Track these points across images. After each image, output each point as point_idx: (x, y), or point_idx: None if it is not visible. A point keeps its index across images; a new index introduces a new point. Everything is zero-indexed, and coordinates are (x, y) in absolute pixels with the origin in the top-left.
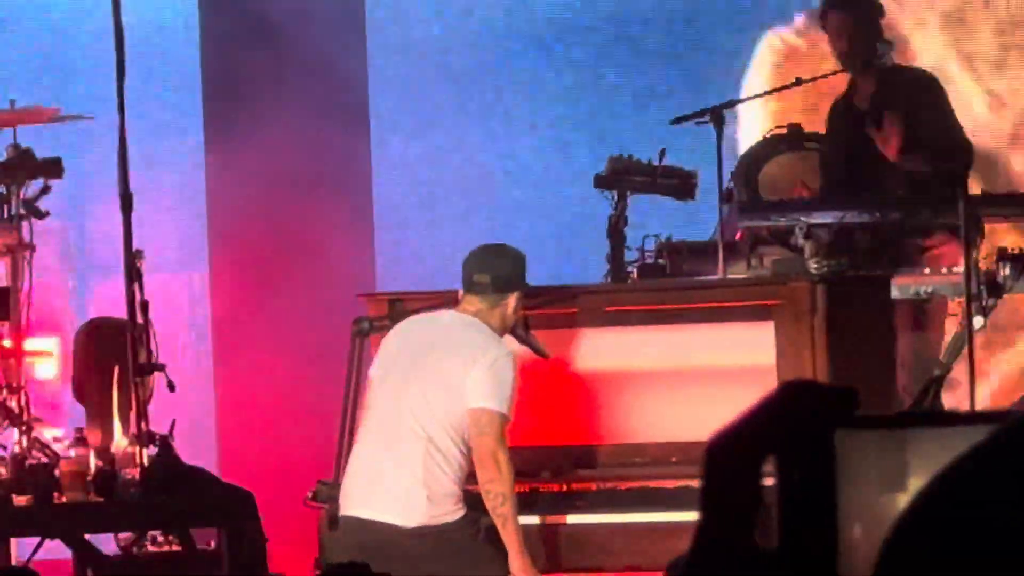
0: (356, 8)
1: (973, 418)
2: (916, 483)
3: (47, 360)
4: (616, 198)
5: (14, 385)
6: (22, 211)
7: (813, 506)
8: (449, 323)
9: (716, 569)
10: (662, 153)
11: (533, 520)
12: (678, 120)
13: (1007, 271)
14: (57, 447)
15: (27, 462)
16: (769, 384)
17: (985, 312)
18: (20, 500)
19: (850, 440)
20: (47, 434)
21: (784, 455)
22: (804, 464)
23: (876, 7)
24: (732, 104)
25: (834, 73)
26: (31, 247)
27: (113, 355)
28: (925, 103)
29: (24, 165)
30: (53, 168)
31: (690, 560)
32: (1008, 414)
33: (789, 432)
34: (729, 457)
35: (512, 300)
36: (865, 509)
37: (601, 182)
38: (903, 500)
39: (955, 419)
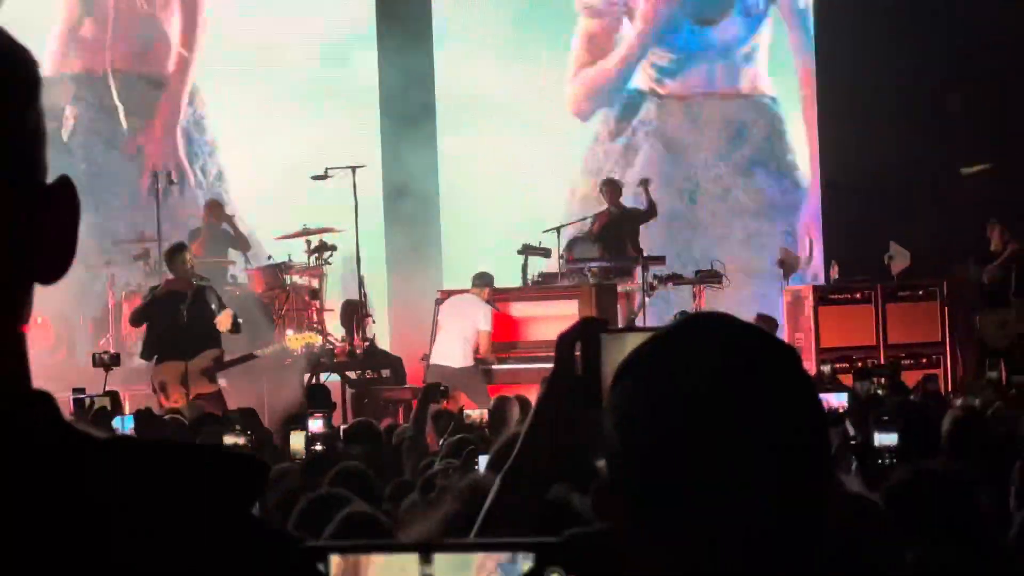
0: None
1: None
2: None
3: None
4: None
5: None
6: None
7: (594, 358)
8: None
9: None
10: None
11: None
12: None
13: None
14: None
15: None
16: None
17: None
18: None
19: (605, 338)
20: None
21: (585, 343)
22: (588, 344)
23: None
24: None
25: None
26: None
27: None
28: None
29: None
30: None
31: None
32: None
33: (584, 334)
34: (561, 347)
35: None
36: (609, 363)
37: None
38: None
39: (647, 329)
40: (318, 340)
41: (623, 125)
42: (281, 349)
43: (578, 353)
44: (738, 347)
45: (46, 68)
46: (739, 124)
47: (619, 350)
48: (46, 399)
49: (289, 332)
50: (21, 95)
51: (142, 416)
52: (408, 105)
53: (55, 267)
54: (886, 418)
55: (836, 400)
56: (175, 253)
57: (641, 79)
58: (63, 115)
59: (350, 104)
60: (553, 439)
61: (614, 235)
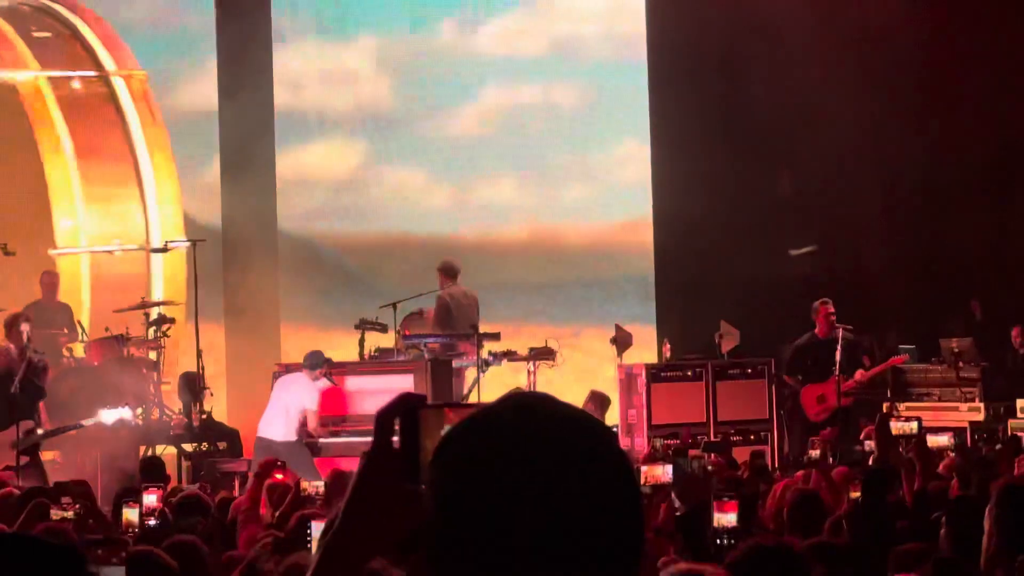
0: None
1: (479, 405)
2: (447, 423)
3: None
4: None
5: None
6: None
7: (413, 433)
8: None
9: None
10: None
11: None
12: None
13: None
14: None
15: None
16: None
17: None
18: None
19: (424, 413)
20: None
21: (404, 418)
22: (406, 419)
23: None
24: None
25: None
26: None
27: None
28: None
29: None
30: None
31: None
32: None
33: (402, 409)
34: (380, 422)
35: None
36: (428, 437)
37: None
38: (441, 430)
39: (465, 405)
40: (129, 415)
41: None
42: (96, 423)
43: (397, 428)
44: (554, 429)
45: None
46: None
47: (438, 425)
48: None
49: (102, 411)
50: None
51: None
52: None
53: None
54: (725, 497)
55: (662, 472)
56: (12, 324)
57: None
58: None
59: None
60: (371, 514)
61: (450, 315)
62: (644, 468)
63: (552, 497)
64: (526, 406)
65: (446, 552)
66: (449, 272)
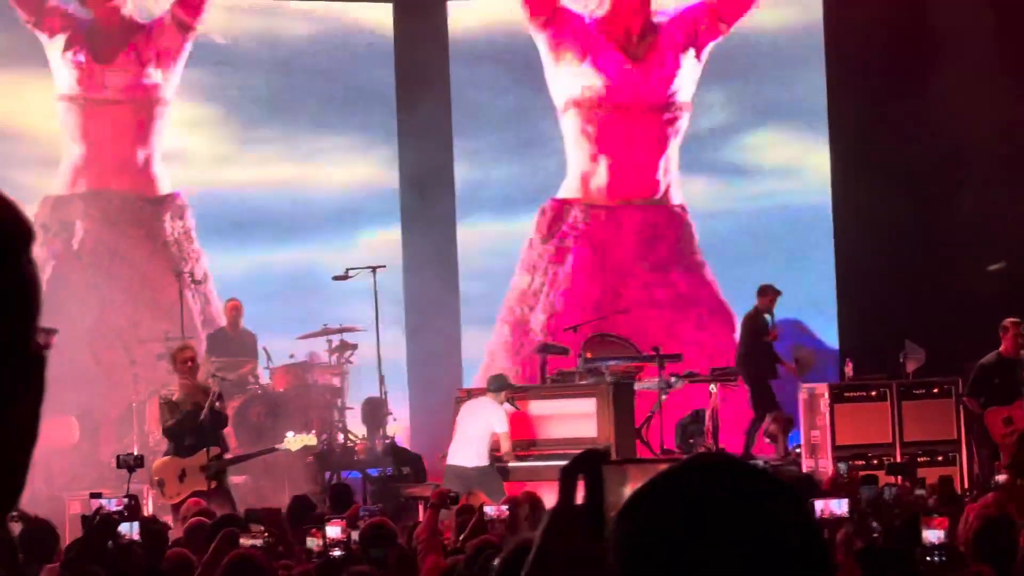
0: None
1: (662, 461)
2: (630, 488)
3: None
4: None
5: None
6: None
7: (596, 489)
8: None
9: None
10: None
11: None
12: None
13: None
14: None
15: None
16: None
17: None
18: None
19: (607, 470)
20: None
21: (587, 475)
22: (590, 477)
23: None
24: None
25: None
26: None
27: None
28: None
29: None
30: None
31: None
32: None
33: (586, 465)
34: (564, 479)
35: None
36: (612, 493)
37: None
38: (626, 493)
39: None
40: (313, 441)
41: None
42: (283, 449)
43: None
44: (740, 492)
45: (61, 188)
46: None
47: (620, 481)
48: None
49: (289, 434)
50: (20, 252)
51: (147, 524)
52: (426, 203)
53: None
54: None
55: (837, 508)
56: (181, 354)
57: None
58: (74, 228)
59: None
60: (556, 571)
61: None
62: (819, 503)
63: (738, 563)
64: (712, 468)
65: None
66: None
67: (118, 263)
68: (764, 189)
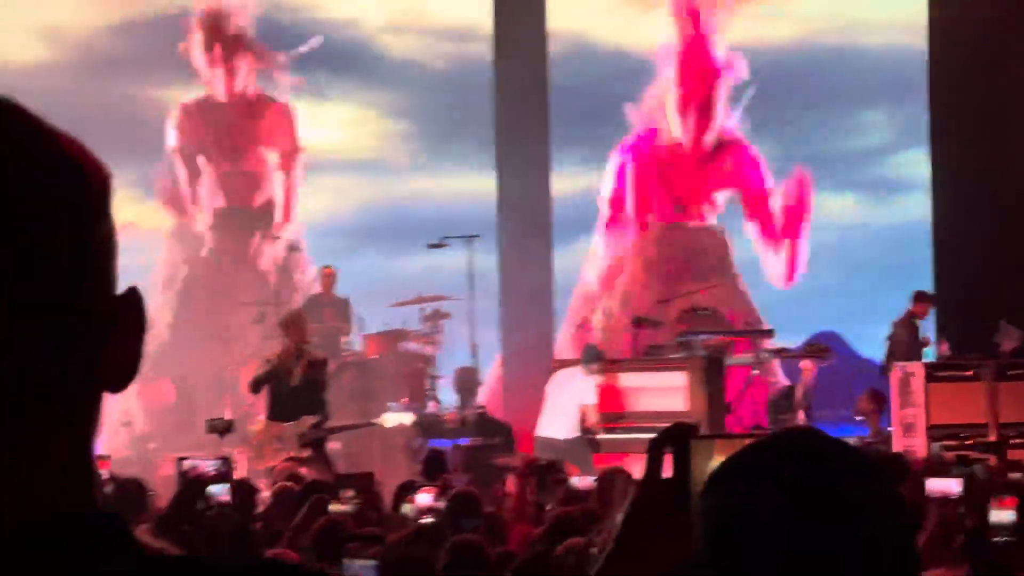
0: None
1: (748, 436)
2: (716, 462)
3: None
4: None
5: None
6: None
7: (684, 463)
8: None
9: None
10: None
11: None
12: None
13: None
14: None
15: None
16: None
17: None
18: None
19: (695, 444)
20: None
21: (675, 448)
22: (678, 451)
23: None
24: None
25: None
26: None
27: None
28: None
29: None
30: None
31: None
32: (764, 433)
33: (673, 439)
34: (651, 452)
35: None
36: (699, 470)
37: None
38: (712, 467)
39: (735, 435)
40: (408, 421)
41: None
42: (377, 427)
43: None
44: (827, 468)
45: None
46: None
47: (707, 455)
48: (112, 521)
49: (391, 406)
50: (93, 209)
51: (239, 486)
52: (524, 178)
53: (119, 380)
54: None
55: (947, 486)
56: (292, 320)
57: None
58: None
59: (467, 176)
60: (643, 542)
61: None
62: (934, 482)
63: (819, 540)
64: (798, 444)
65: None
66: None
67: (216, 229)
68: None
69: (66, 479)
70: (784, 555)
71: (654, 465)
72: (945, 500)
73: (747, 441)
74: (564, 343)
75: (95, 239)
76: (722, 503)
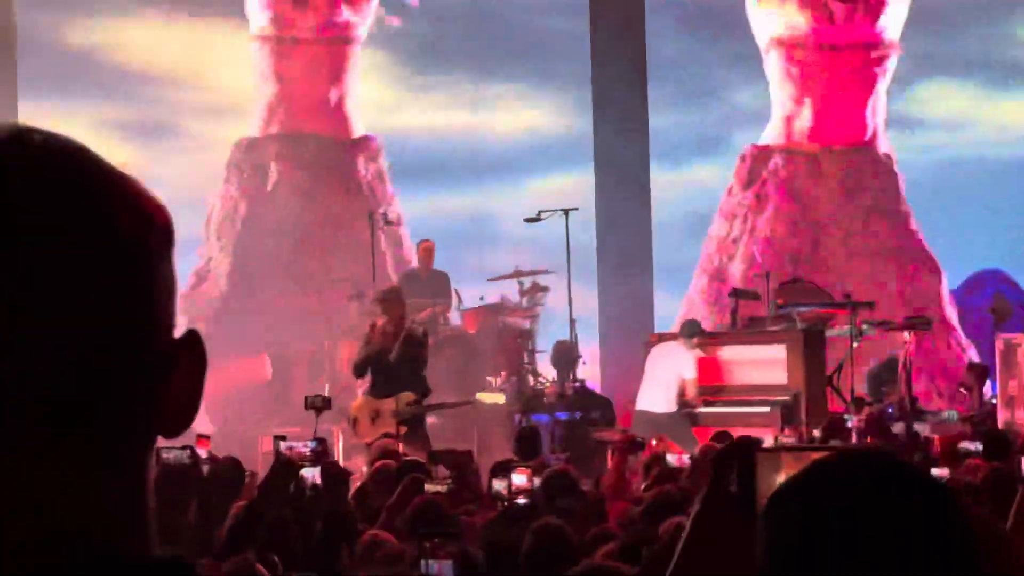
0: None
1: (815, 448)
2: (783, 477)
3: None
4: None
5: None
6: None
7: (749, 477)
8: None
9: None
10: None
11: None
12: None
13: None
14: None
15: None
16: None
17: None
18: None
19: (760, 457)
20: None
21: (740, 462)
22: (743, 465)
23: None
24: None
25: None
26: None
27: None
28: None
29: None
30: None
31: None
32: (833, 448)
33: (739, 453)
34: (717, 465)
35: None
36: (765, 484)
37: None
38: (778, 481)
39: (801, 448)
40: (502, 400)
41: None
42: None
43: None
44: (896, 491)
45: (254, 130)
46: None
47: (773, 469)
48: (178, 567)
49: (493, 381)
50: (154, 252)
51: (328, 468)
52: (622, 152)
53: (176, 425)
54: None
55: None
56: (391, 296)
57: None
58: (268, 170)
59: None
60: (707, 556)
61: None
62: None
63: (883, 563)
64: (865, 464)
65: None
66: None
67: (311, 206)
68: (957, 139)
69: (121, 524)
70: (846, 572)
71: (719, 479)
72: None
73: (815, 455)
74: (698, 295)
75: (155, 281)
76: (786, 519)
